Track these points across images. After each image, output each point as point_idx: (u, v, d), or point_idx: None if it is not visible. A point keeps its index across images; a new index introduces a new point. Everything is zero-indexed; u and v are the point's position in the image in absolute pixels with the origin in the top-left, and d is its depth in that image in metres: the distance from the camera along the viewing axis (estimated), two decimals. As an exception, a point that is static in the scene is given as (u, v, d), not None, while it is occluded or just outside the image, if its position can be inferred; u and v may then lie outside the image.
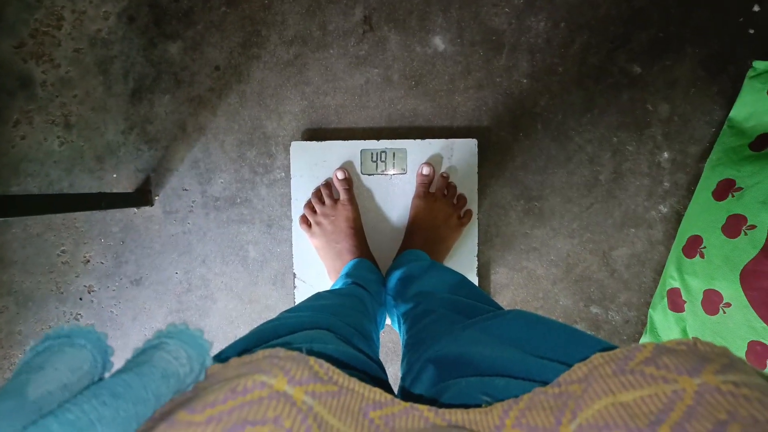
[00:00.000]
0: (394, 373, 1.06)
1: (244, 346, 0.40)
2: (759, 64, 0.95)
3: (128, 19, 1.02)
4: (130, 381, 0.25)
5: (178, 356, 0.28)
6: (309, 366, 0.30)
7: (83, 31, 1.03)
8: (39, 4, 1.02)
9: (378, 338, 0.71)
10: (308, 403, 0.28)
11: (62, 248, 1.06)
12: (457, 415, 0.30)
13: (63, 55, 1.03)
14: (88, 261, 1.06)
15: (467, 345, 0.44)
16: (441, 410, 0.31)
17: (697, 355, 0.27)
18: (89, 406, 0.23)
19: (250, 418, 0.25)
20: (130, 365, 0.27)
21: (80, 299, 1.07)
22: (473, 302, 0.62)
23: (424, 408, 0.31)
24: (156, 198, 1.05)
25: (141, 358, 0.28)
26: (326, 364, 0.31)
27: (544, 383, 0.32)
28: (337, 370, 0.31)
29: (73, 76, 1.03)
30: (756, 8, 0.98)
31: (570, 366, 0.31)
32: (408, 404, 0.31)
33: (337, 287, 0.82)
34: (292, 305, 0.80)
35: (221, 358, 0.35)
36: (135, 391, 0.25)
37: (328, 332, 0.49)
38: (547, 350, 0.38)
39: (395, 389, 0.46)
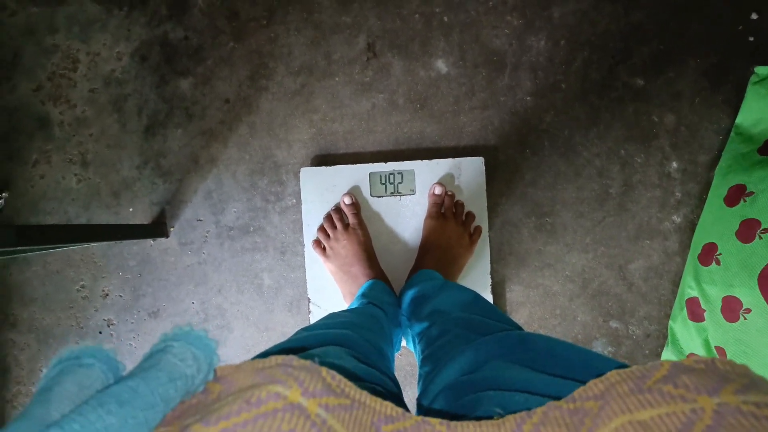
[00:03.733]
0: (413, 396, 1.05)
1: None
2: (761, 70, 0.95)
3: (140, 58, 1.06)
4: (136, 387, 0.25)
5: (184, 358, 0.28)
6: (322, 377, 0.30)
7: (98, 72, 1.06)
8: (55, 48, 1.06)
9: (393, 358, 0.71)
10: (322, 416, 0.27)
11: (81, 283, 1.08)
12: (469, 428, 0.30)
13: (79, 96, 1.07)
14: (107, 295, 1.08)
15: (486, 371, 0.44)
16: (453, 423, 0.31)
17: (716, 374, 0.26)
18: (95, 415, 0.23)
19: (265, 431, 0.25)
20: (136, 371, 0.27)
21: (100, 333, 1.08)
22: (487, 320, 0.61)
23: (435, 422, 0.31)
24: (171, 230, 1.07)
25: (148, 362, 0.28)
26: (338, 376, 0.31)
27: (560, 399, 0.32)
28: (349, 383, 0.31)
29: (89, 116, 1.07)
30: (754, 16, 0.99)
31: (585, 383, 0.31)
32: (420, 418, 0.31)
33: (353, 307, 0.82)
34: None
35: None
36: (142, 397, 0.25)
37: (343, 348, 0.49)
38: (564, 369, 0.38)
39: (412, 411, 0.45)
